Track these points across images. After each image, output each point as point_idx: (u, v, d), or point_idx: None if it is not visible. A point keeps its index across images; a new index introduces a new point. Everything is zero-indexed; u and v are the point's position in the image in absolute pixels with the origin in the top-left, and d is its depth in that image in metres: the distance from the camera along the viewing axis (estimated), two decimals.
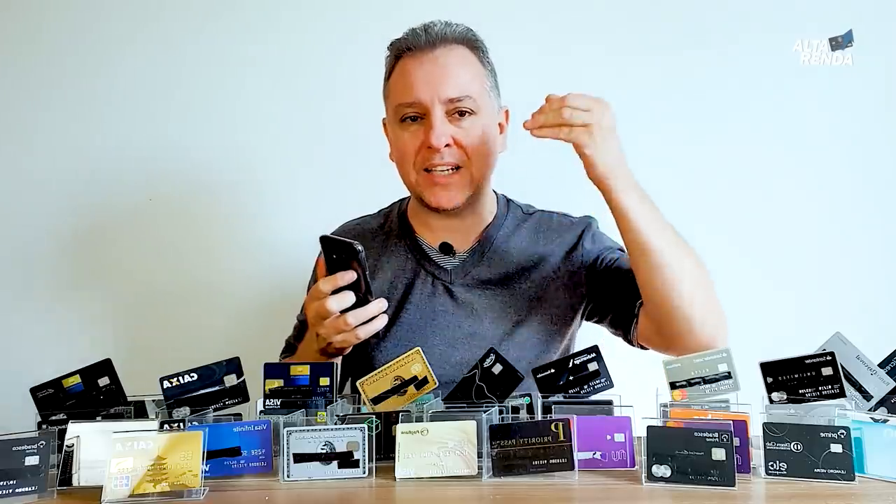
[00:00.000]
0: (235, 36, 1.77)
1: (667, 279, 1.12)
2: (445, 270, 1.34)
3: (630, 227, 1.12)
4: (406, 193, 1.44)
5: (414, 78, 1.23)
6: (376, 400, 1.04)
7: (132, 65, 1.77)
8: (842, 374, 0.96)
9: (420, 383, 1.04)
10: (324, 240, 1.14)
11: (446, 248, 1.33)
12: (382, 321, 1.14)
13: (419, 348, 1.05)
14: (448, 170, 1.25)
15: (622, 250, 1.31)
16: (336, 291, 1.11)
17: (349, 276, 1.11)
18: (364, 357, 1.34)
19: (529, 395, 1.03)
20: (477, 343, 1.30)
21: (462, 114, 1.24)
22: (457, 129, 1.24)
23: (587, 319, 1.40)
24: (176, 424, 0.95)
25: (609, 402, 1.00)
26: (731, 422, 0.90)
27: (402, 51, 1.26)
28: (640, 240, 1.12)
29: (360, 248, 1.10)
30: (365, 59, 1.72)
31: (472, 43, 1.28)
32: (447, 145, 1.23)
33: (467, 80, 1.24)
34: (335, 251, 1.13)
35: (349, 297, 1.12)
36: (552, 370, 1.04)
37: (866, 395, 0.99)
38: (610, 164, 1.09)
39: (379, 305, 1.13)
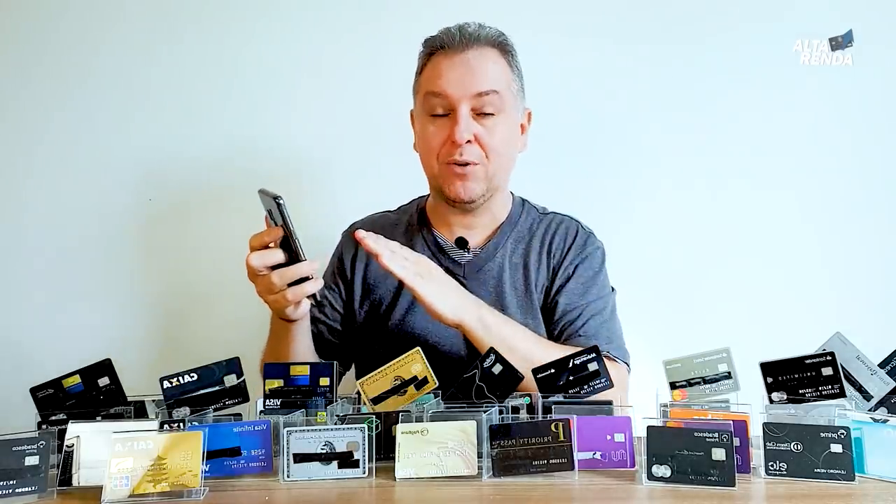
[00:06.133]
0: (239, 35, 1.76)
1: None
2: (459, 265, 1.36)
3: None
4: (420, 191, 1.45)
5: (445, 74, 1.27)
6: (376, 400, 1.04)
7: (134, 64, 1.77)
8: (842, 374, 0.96)
9: (420, 383, 1.04)
10: (259, 193, 1.09)
11: (462, 243, 1.36)
12: (316, 284, 1.10)
13: (419, 348, 1.05)
14: (468, 165, 1.28)
15: (600, 301, 1.34)
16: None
17: (276, 232, 1.08)
18: (375, 346, 1.36)
19: (529, 395, 1.03)
20: None
21: (487, 113, 1.27)
22: (480, 128, 1.27)
23: None
24: (176, 424, 0.95)
25: (609, 402, 1.00)
26: (731, 422, 0.90)
27: (436, 48, 1.30)
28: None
29: (280, 200, 1.04)
30: (372, 58, 1.75)
31: (503, 46, 1.31)
32: (468, 141, 1.26)
33: (494, 77, 1.28)
34: (266, 205, 1.08)
35: (275, 255, 1.08)
36: (552, 370, 1.04)
37: (866, 395, 0.99)
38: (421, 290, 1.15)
39: (310, 266, 1.09)
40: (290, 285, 1.09)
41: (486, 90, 1.26)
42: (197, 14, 1.77)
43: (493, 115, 1.28)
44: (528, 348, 1.15)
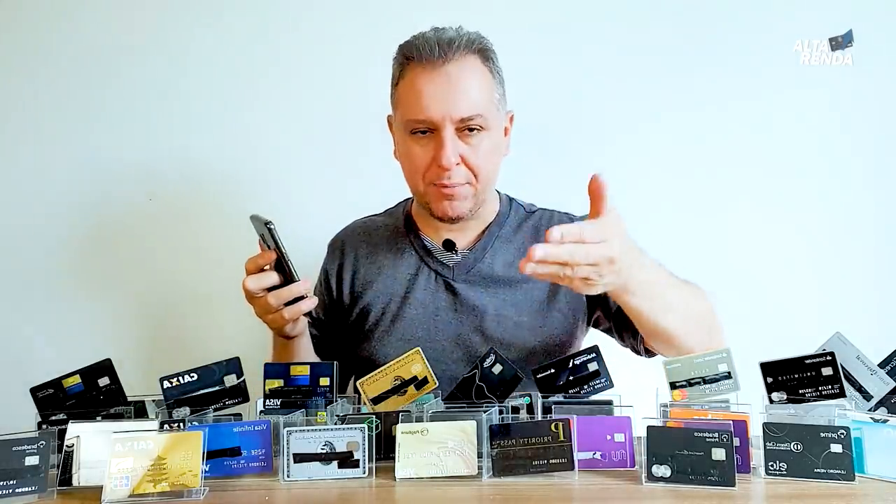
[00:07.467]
0: (236, 36, 1.76)
1: (670, 337, 1.12)
2: (448, 267, 1.35)
3: (638, 320, 1.10)
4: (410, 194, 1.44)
5: (425, 94, 1.20)
6: (376, 400, 1.04)
7: (134, 64, 1.77)
8: (842, 374, 0.96)
9: (420, 383, 1.04)
10: (251, 219, 1.15)
11: (449, 245, 1.35)
12: (310, 303, 1.16)
13: (419, 348, 1.06)
14: (455, 186, 1.25)
15: None
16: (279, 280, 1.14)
17: (269, 256, 1.14)
18: (366, 352, 1.35)
19: (529, 395, 1.03)
20: (478, 340, 1.31)
21: (472, 129, 1.23)
22: (466, 147, 1.23)
23: (595, 328, 1.40)
24: (176, 424, 0.95)
25: (609, 402, 1.00)
26: (731, 422, 0.90)
27: (412, 59, 1.22)
28: (648, 326, 1.11)
29: (271, 225, 1.10)
30: (370, 58, 1.72)
31: (483, 52, 1.24)
32: (457, 164, 1.23)
33: (477, 97, 1.22)
34: (258, 230, 1.14)
35: (270, 277, 1.14)
36: (552, 370, 1.04)
37: (866, 395, 0.99)
38: (619, 287, 1.01)
39: (303, 286, 1.14)
40: (285, 305, 1.15)
41: (471, 115, 1.20)
42: (199, 14, 1.77)
43: (477, 131, 1.23)
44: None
